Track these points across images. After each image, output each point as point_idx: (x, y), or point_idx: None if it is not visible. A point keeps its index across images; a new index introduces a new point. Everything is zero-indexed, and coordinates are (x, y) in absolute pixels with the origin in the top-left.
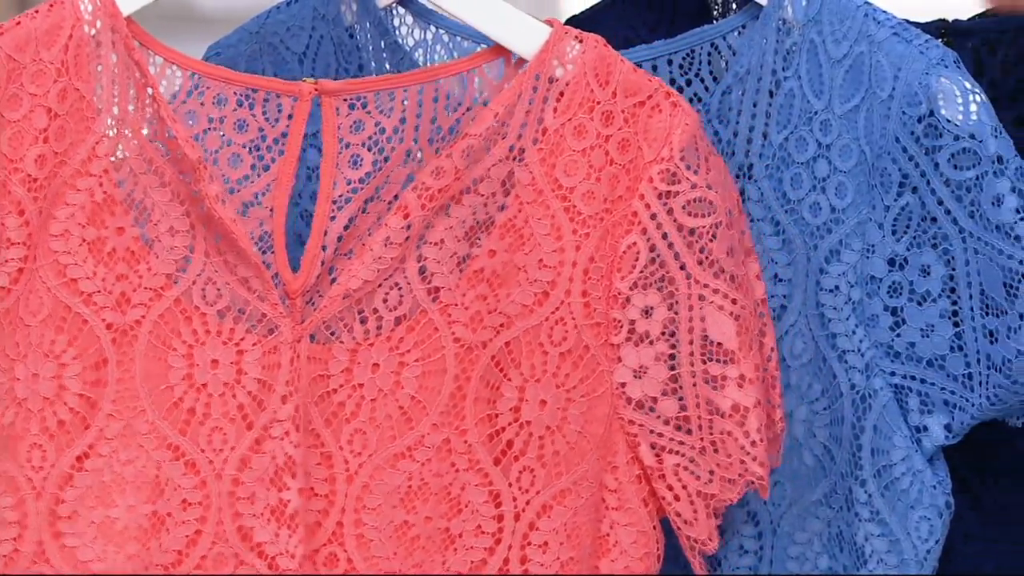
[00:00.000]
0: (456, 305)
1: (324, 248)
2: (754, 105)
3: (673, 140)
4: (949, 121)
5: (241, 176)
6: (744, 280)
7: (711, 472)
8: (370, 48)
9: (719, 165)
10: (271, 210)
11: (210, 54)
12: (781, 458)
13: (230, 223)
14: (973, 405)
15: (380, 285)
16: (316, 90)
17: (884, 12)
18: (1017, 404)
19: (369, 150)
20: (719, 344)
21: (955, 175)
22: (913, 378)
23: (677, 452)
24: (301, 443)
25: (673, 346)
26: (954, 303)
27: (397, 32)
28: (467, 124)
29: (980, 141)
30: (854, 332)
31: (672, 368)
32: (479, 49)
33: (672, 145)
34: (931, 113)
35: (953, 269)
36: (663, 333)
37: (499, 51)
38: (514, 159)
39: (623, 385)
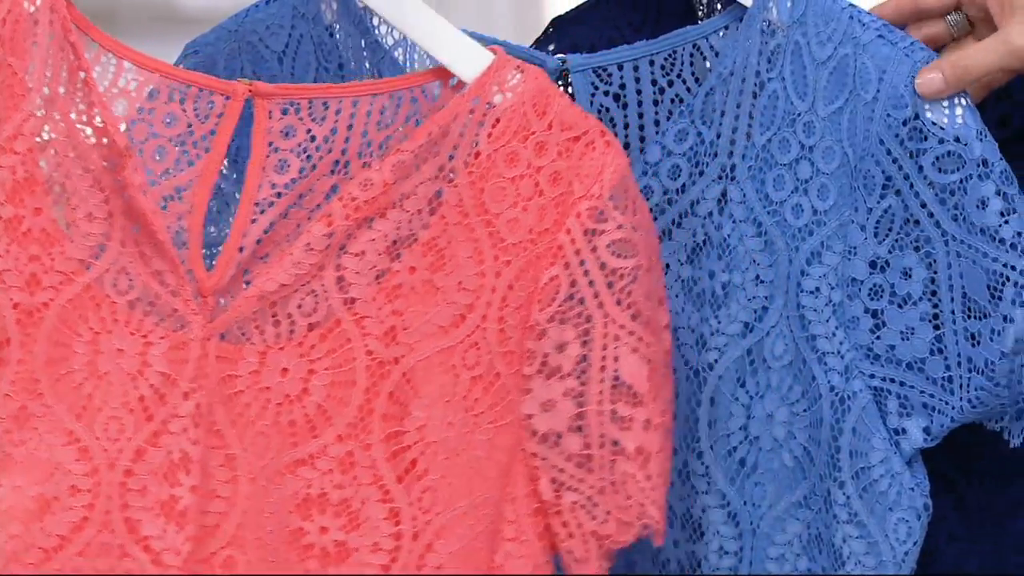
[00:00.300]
0: (371, 318)
1: (241, 249)
2: (737, 106)
3: (605, 179)
4: (934, 124)
5: (164, 169)
6: (658, 327)
7: (608, 512)
8: (350, 47)
9: (645, 210)
10: (191, 206)
11: (188, 52)
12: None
13: (150, 214)
14: (953, 408)
15: (296, 290)
16: (250, 91)
17: (869, 14)
18: (997, 407)
19: (297, 157)
20: (630, 386)
21: (939, 178)
22: (892, 380)
23: (576, 490)
24: (200, 441)
25: (583, 383)
26: (935, 306)
27: (377, 31)
28: (399, 141)
29: (965, 144)
30: (834, 334)
31: (580, 405)
32: None
33: (603, 183)
34: (916, 116)
35: (935, 272)
36: (575, 369)
37: (439, 73)
38: (444, 179)
39: (530, 417)
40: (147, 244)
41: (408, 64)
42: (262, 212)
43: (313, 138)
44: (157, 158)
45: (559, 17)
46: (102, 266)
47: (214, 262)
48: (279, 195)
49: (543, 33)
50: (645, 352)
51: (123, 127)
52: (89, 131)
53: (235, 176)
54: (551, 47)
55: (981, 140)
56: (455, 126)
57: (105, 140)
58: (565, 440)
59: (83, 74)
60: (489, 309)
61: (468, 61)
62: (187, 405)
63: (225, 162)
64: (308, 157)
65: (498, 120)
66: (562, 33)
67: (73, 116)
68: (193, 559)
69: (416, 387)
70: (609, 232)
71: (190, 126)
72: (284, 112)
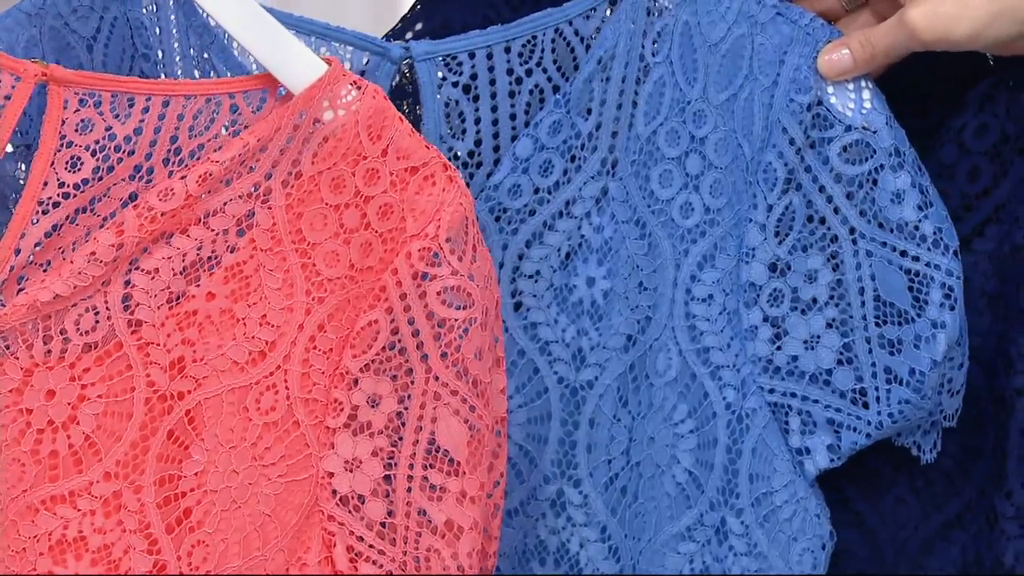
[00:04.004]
0: (158, 345)
1: (18, 252)
2: (620, 94)
3: (442, 218)
4: (839, 110)
5: None
6: (488, 390)
7: None
8: (173, 31)
9: (486, 258)
10: None
11: None
12: None
13: None
14: (869, 424)
15: (75, 304)
16: (44, 75)
17: None
18: (924, 419)
19: (93, 155)
20: (446, 452)
21: (847, 170)
22: (793, 395)
23: (375, 562)
24: None
25: (395, 444)
26: (843, 312)
27: (205, 11)
28: (212, 151)
29: (874, 132)
30: (729, 346)
31: (388, 468)
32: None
33: (440, 223)
34: (820, 102)
35: (842, 274)
36: (387, 427)
37: (265, 80)
38: (258, 199)
39: (331, 475)
40: None
41: (243, 55)
42: (45, 213)
43: (112, 136)
44: None
45: None
46: None
47: None
48: (67, 196)
49: (410, 10)
50: (468, 416)
51: None
52: None
53: (21, 168)
54: (419, 26)
55: (891, 127)
56: (276, 141)
57: None
58: (368, 505)
59: None
60: (294, 349)
61: (298, 70)
62: None
63: (9, 150)
64: (105, 157)
65: (326, 139)
66: (431, 11)
67: None
68: None
69: (200, 428)
70: (442, 278)
71: None
72: (82, 103)
